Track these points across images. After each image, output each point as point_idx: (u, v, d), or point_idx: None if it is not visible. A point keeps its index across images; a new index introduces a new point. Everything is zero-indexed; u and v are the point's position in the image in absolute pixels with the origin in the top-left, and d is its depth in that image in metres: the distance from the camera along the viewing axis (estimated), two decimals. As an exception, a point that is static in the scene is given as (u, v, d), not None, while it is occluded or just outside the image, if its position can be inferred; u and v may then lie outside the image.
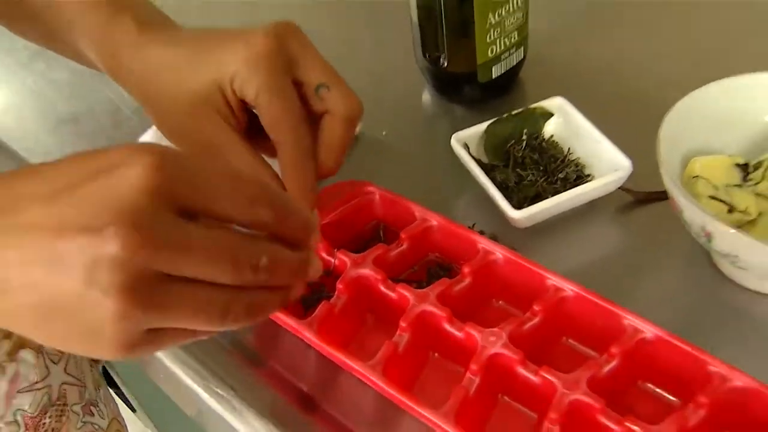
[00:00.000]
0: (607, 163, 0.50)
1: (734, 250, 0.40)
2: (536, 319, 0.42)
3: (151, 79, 0.47)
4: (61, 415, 0.73)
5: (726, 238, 0.40)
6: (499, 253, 0.44)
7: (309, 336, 0.42)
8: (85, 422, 0.75)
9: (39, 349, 0.71)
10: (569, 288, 0.42)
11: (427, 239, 0.47)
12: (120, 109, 0.65)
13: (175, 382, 0.47)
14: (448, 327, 0.42)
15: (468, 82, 0.60)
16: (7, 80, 0.72)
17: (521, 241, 0.49)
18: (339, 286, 0.44)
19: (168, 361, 0.47)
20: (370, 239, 0.48)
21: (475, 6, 0.54)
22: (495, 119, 0.54)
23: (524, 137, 0.54)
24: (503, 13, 0.56)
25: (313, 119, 0.45)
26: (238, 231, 0.34)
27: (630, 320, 0.40)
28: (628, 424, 0.36)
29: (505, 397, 0.42)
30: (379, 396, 0.41)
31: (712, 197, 0.43)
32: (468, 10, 0.55)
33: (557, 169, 0.51)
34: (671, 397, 0.41)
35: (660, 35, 0.66)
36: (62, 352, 0.74)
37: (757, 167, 0.46)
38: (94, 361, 0.83)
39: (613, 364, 0.39)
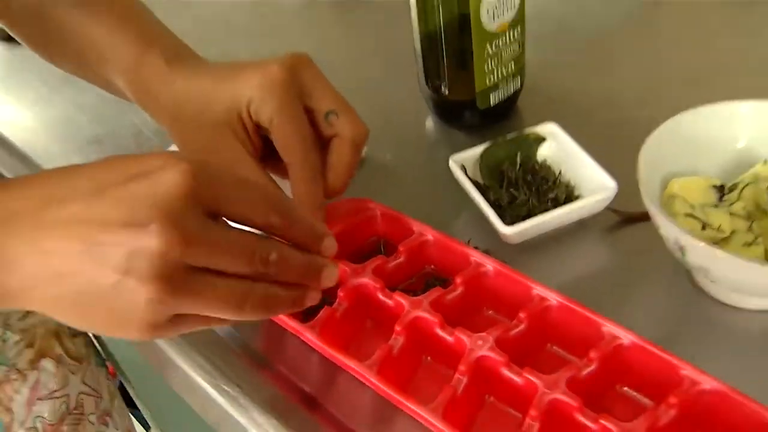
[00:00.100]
0: (595, 185, 0.53)
1: (705, 263, 0.43)
2: (522, 326, 0.45)
3: (178, 106, 0.51)
4: (77, 424, 0.77)
5: (697, 252, 0.43)
6: (489, 265, 0.48)
7: (311, 338, 0.46)
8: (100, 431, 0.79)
9: (59, 359, 0.75)
10: (553, 297, 0.45)
11: (424, 252, 0.51)
12: (142, 132, 0.69)
13: (187, 381, 0.50)
14: (439, 332, 0.45)
15: (468, 109, 0.64)
16: (39, 104, 0.77)
17: (513, 256, 0.52)
18: (340, 293, 0.47)
19: (180, 361, 0.50)
20: (371, 253, 0.52)
21: (474, 38, 0.58)
22: (491, 143, 0.58)
23: (518, 160, 0.57)
24: (500, 44, 0.60)
25: (322, 143, 0.49)
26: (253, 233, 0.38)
27: (608, 327, 0.43)
28: (602, 421, 0.39)
29: (492, 398, 0.44)
30: (376, 396, 0.45)
31: (688, 215, 0.46)
32: (467, 41, 0.59)
33: (548, 189, 0.55)
34: (646, 400, 0.43)
35: (646, 68, 0.69)
36: (81, 362, 0.78)
37: (732, 189, 0.49)
38: (112, 375, 0.86)
39: (592, 367, 0.42)
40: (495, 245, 0.53)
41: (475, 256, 0.48)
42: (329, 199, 0.50)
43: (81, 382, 0.77)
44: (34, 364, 0.72)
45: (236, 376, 0.48)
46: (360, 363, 0.43)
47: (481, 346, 0.43)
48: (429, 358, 0.47)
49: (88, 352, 0.80)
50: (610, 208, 0.54)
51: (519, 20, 0.60)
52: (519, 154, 0.57)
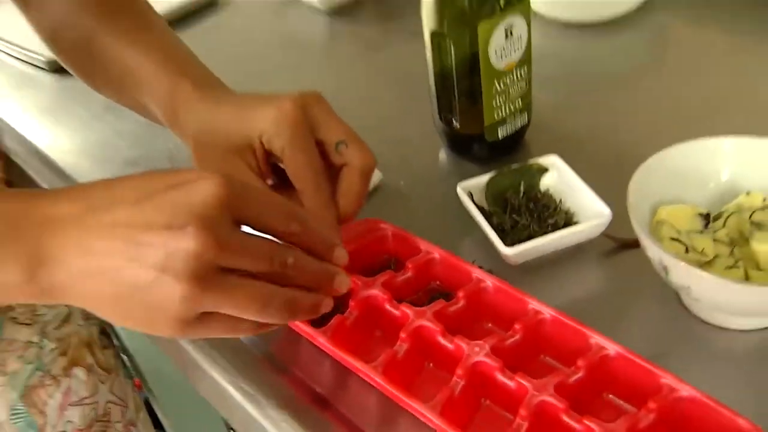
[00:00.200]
0: (592, 212, 0.58)
1: (686, 282, 0.47)
2: (517, 336, 0.49)
3: (200, 132, 0.57)
4: (104, 431, 0.81)
5: (678, 272, 0.46)
6: (489, 281, 0.52)
7: (324, 342, 0.50)
8: (125, 440, 0.83)
9: (90, 368, 0.80)
10: (547, 311, 0.49)
11: (430, 269, 0.55)
12: (174, 156, 0.75)
13: (211, 383, 0.55)
14: (441, 340, 0.49)
15: (477, 142, 0.68)
16: (83, 129, 0.83)
17: (515, 277, 0.56)
18: (351, 303, 0.52)
19: (206, 365, 0.55)
20: (382, 269, 0.56)
21: (482, 76, 0.63)
22: (496, 172, 0.62)
23: (522, 189, 0.61)
24: (507, 82, 0.65)
25: (334, 173, 0.54)
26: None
27: (596, 339, 0.47)
28: (586, 422, 0.43)
29: (487, 401, 0.48)
30: (382, 398, 0.49)
31: (674, 239, 0.50)
32: (476, 79, 0.64)
33: (548, 216, 0.59)
34: (630, 408, 0.47)
35: (647, 109, 0.74)
36: (109, 373, 0.83)
37: (717, 218, 0.53)
38: (138, 388, 0.91)
39: (580, 375, 0.46)
40: (498, 266, 0.57)
41: (477, 273, 0.52)
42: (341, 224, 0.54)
43: (109, 392, 0.82)
44: (67, 371, 0.76)
45: (256, 378, 0.53)
46: (366, 364, 0.48)
47: (477, 352, 0.47)
48: (431, 364, 0.51)
49: (116, 364, 0.85)
50: (605, 234, 0.58)
51: (526, 60, 0.65)
52: (523, 183, 0.62)
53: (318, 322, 0.51)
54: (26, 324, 0.73)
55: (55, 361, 0.75)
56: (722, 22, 0.84)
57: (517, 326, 0.49)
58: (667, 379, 0.44)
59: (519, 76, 0.65)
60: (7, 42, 0.97)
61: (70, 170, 0.77)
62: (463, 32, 0.62)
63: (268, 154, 0.54)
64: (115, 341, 0.88)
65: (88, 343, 0.80)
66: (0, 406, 0.71)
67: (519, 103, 0.67)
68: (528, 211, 0.60)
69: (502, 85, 0.64)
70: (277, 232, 0.43)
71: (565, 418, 0.44)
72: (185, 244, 0.39)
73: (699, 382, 0.44)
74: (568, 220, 0.59)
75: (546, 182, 0.62)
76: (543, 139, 0.71)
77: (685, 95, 0.74)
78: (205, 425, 0.97)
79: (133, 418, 0.86)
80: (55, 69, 0.93)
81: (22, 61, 0.97)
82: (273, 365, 0.54)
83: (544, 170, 0.62)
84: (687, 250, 0.50)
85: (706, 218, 0.53)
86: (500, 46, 0.62)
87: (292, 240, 0.44)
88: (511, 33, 0.63)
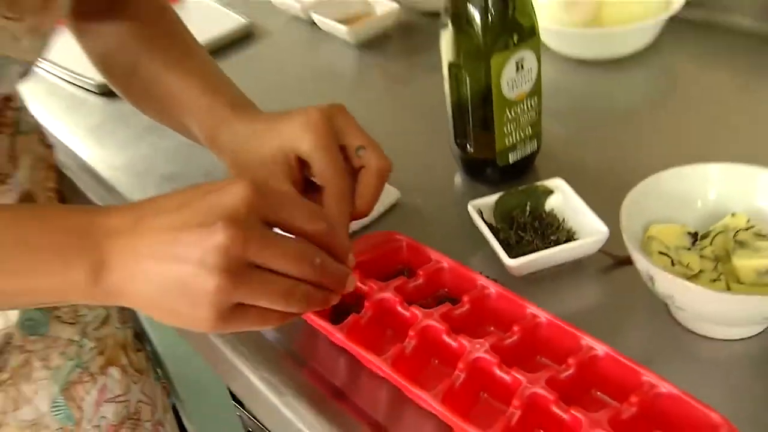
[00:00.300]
0: (591, 230, 0.63)
1: (670, 291, 0.52)
2: (515, 337, 0.54)
3: (237, 145, 0.63)
4: (134, 428, 0.87)
5: (663, 280, 0.51)
6: (492, 288, 0.57)
7: (340, 337, 0.55)
8: (153, 437, 0.88)
9: (124, 369, 0.86)
10: (543, 315, 0.54)
11: (439, 276, 0.60)
12: (210, 172, 0.81)
13: (239, 375, 0.60)
14: (446, 338, 0.54)
15: (489, 166, 0.74)
16: (126, 147, 0.90)
17: (518, 288, 0.60)
18: (366, 304, 0.57)
19: (235, 359, 0.60)
20: (396, 275, 0.61)
21: (495, 105, 0.69)
22: (504, 192, 0.67)
23: (528, 208, 0.67)
24: (518, 111, 0.70)
25: (354, 175, 0.60)
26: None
27: (586, 340, 0.52)
28: (573, 412, 0.48)
29: (485, 395, 0.53)
30: (391, 390, 0.54)
31: (662, 253, 0.55)
32: (489, 108, 0.69)
33: (551, 233, 0.64)
34: (615, 403, 0.51)
35: (648, 139, 0.79)
36: (141, 374, 0.88)
37: (705, 237, 0.57)
38: (167, 394, 0.96)
39: (570, 371, 0.51)
40: (504, 278, 0.62)
41: (482, 281, 0.58)
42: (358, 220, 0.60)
43: (140, 392, 0.88)
44: (103, 369, 0.82)
45: (278, 371, 0.58)
46: (377, 357, 0.53)
47: (478, 349, 0.52)
48: (436, 360, 0.56)
49: (147, 366, 0.90)
50: (603, 251, 0.63)
51: (536, 92, 0.71)
52: (529, 203, 0.67)
53: (336, 320, 0.57)
54: (69, 323, 0.79)
55: (94, 359, 0.81)
56: (727, 62, 0.90)
57: (515, 328, 0.54)
58: (648, 377, 0.49)
59: (529, 106, 0.71)
60: (61, 67, 1.05)
61: (114, 183, 0.84)
62: (477, 65, 0.68)
63: (301, 163, 0.60)
64: (147, 347, 0.94)
65: (123, 345, 0.86)
66: (43, 398, 0.77)
67: (529, 130, 0.72)
68: (533, 229, 0.65)
69: (512, 114, 0.70)
70: (302, 232, 0.49)
71: (555, 409, 0.48)
72: (215, 239, 0.45)
73: (683, 385, 0.48)
74: (569, 237, 0.64)
75: (551, 203, 0.67)
76: (551, 166, 0.76)
77: (688, 129, 0.79)
78: (229, 421, 1.02)
79: (161, 418, 0.92)
80: (103, 92, 1.01)
81: (74, 84, 1.05)
82: (294, 360, 0.59)
83: (549, 192, 0.67)
84: (673, 263, 0.55)
85: (694, 236, 0.58)
86: (511, 78, 0.68)
87: (316, 240, 0.49)
88: (522, 66, 0.68)
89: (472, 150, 0.74)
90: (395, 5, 1.07)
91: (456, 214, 0.72)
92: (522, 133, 0.72)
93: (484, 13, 0.66)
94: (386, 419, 0.54)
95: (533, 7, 0.68)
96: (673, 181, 0.58)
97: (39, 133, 0.78)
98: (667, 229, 0.57)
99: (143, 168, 0.86)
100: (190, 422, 1.05)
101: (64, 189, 0.82)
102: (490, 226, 0.65)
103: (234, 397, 1.01)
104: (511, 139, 0.71)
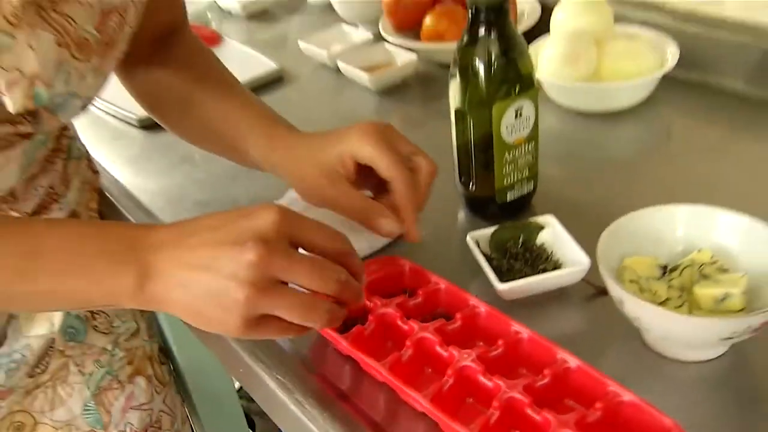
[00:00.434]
0: (575, 262, 0.70)
1: (636, 313, 0.59)
2: (499, 350, 0.61)
3: (296, 160, 0.72)
4: (155, 436, 0.93)
5: (629, 303, 0.58)
6: (482, 308, 0.64)
7: (345, 345, 0.63)
8: (172, 445, 0.95)
9: (149, 379, 0.93)
10: (525, 331, 0.61)
11: (436, 296, 0.67)
12: (236, 200, 0.90)
13: (257, 380, 0.67)
14: (438, 348, 0.61)
15: (490, 203, 0.81)
16: (162, 175, 0.99)
17: (509, 311, 0.68)
18: (370, 317, 0.65)
19: (255, 365, 0.68)
20: (399, 294, 0.69)
21: (495, 148, 0.77)
22: (499, 226, 0.75)
23: (520, 241, 0.74)
24: (516, 154, 0.78)
25: None
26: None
27: (561, 354, 0.59)
28: (545, 413, 0.54)
29: (470, 400, 0.60)
30: (388, 395, 0.61)
31: (633, 281, 0.62)
32: (490, 150, 0.77)
33: (540, 263, 0.71)
34: (584, 409, 0.58)
35: (638, 186, 0.86)
36: (164, 386, 0.96)
37: (674, 269, 0.64)
38: (184, 406, 1.03)
39: (546, 380, 0.57)
40: (496, 303, 0.69)
41: (473, 301, 0.65)
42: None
43: (162, 402, 0.95)
44: (131, 378, 0.90)
45: (292, 376, 0.65)
46: (377, 361, 0.60)
47: (465, 358, 0.59)
48: (429, 369, 0.63)
49: (170, 379, 0.98)
50: (586, 281, 0.70)
51: (533, 137, 0.79)
52: (522, 236, 0.74)
53: (343, 330, 0.64)
54: (104, 333, 0.86)
55: (123, 368, 0.89)
56: (717, 119, 0.96)
57: (500, 342, 0.61)
58: (613, 387, 0.55)
59: (526, 150, 0.79)
60: (106, 101, 1.15)
61: (151, 207, 0.92)
62: (481, 111, 0.76)
63: (358, 167, 0.69)
64: (170, 361, 1.01)
65: (150, 357, 0.93)
66: (76, 401, 0.84)
67: (526, 172, 0.80)
68: (523, 258, 0.72)
69: (511, 157, 0.78)
70: (324, 250, 0.56)
71: (528, 411, 0.55)
72: (247, 257, 0.52)
73: (648, 399, 0.55)
74: (556, 267, 0.71)
75: (542, 237, 0.75)
76: (547, 204, 0.83)
77: (677, 178, 0.86)
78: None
79: (180, 428, 0.99)
80: (142, 126, 1.10)
81: (116, 118, 1.15)
82: (306, 366, 0.67)
83: (540, 227, 0.75)
84: (642, 290, 0.62)
85: (664, 269, 0.64)
86: (511, 124, 0.76)
87: (336, 259, 0.56)
88: (521, 114, 0.76)
89: (474, 188, 0.81)
90: (414, 56, 1.16)
91: (458, 245, 0.79)
92: (519, 174, 0.80)
93: (488, 66, 0.75)
94: (384, 420, 0.61)
95: (532, 62, 0.77)
96: (646, 219, 0.65)
97: (87, 159, 0.87)
98: (640, 260, 0.64)
99: (177, 195, 0.95)
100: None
101: (104, 209, 0.90)
102: (485, 255, 0.72)
103: (247, 416, 1.08)
104: (509, 180, 0.79)
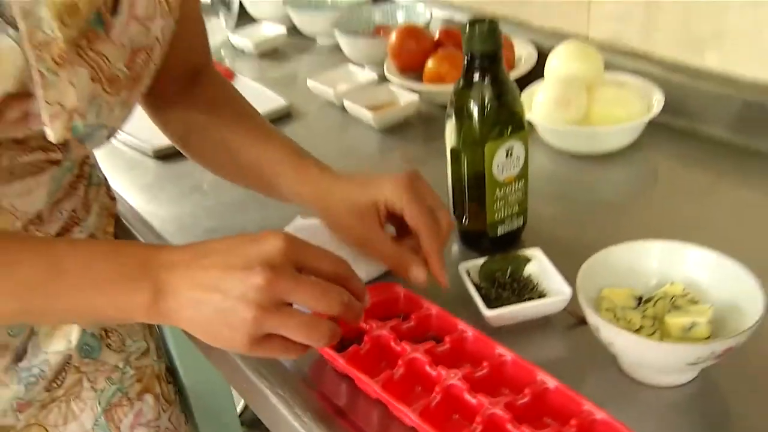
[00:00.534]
0: (558, 292, 0.75)
1: (610, 338, 0.64)
2: (484, 370, 0.65)
3: (331, 198, 0.78)
4: (161, 452, 0.97)
5: (602, 328, 0.63)
6: (470, 331, 0.69)
7: (342, 363, 0.68)
8: (175, 462, 0.99)
9: (156, 397, 0.97)
10: (508, 354, 0.66)
11: (428, 321, 0.73)
12: (245, 228, 0.95)
13: (253, 388, 0.72)
14: (427, 368, 0.66)
15: (482, 237, 0.87)
16: (175, 203, 1.05)
17: (496, 337, 0.73)
18: (366, 338, 0.70)
19: (258, 382, 0.72)
20: (394, 318, 0.74)
21: (486, 185, 0.82)
22: (489, 258, 0.80)
23: (508, 272, 0.79)
24: (506, 191, 0.83)
25: None
26: None
27: (541, 375, 0.63)
28: (524, 429, 0.59)
29: (456, 416, 0.65)
30: (381, 411, 0.65)
31: (609, 309, 0.67)
32: (482, 187, 0.83)
33: (526, 293, 0.76)
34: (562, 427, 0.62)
35: (625, 226, 0.91)
36: (170, 405, 1.00)
37: (648, 300, 0.69)
38: (188, 425, 1.08)
39: (526, 399, 0.62)
40: (486, 329, 0.74)
41: (461, 326, 0.70)
42: None
43: (168, 420, 0.99)
44: (140, 396, 0.94)
45: (293, 392, 0.70)
46: (370, 378, 0.65)
47: (452, 377, 0.64)
48: (419, 388, 0.68)
49: (175, 398, 1.02)
50: (569, 311, 0.75)
51: (523, 176, 0.84)
52: (510, 267, 0.79)
53: (340, 349, 0.69)
54: (117, 351, 0.91)
55: (133, 386, 0.93)
56: (702, 164, 1.02)
57: (485, 363, 0.66)
58: (588, 406, 0.60)
59: (516, 187, 0.84)
60: (123, 132, 1.21)
61: (163, 233, 0.98)
62: (474, 150, 0.82)
63: (389, 212, 0.75)
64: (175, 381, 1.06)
65: (158, 376, 0.98)
66: (87, 417, 0.89)
67: (516, 208, 0.85)
68: (511, 288, 0.77)
69: (502, 193, 0.83)
70: (328, 275, 0.61)
71: (509, 427, 0.60)
72: (255, 280, 0.57)
73: (622, 420, 0.59)
74: (540, 296, 0.76)
75: (529, 269, 0.80)
76: (535, 240, 0.88)
77: (663, 217, 0.91)
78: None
79: (183, 445, 1.03)
80: (157, 156, 1.17)
81: (132, 148, 1.21)
82: (306, 383, 0.72)
83: (527, 260, 0.80)
84: (617, 318, 0.67)
85: (639, 299, 0.70)
86: (501, 162, 0.82)
87: (338, 282, 0.61)
88: (511, 153, 0.82)
89: (467, 222, 0.87)
90: (416, 97, 1.22)
91: (451, 275, 0.84)
92: (510, 210, 0.85)
93: (481, 108, 0.80)
94: (376, 433, 0.66)
95: (522, 105, 0.83)
96: (623, 253, 0.71)
97: (106, 186, 0.93)
98: (617, 291, 0.69)
99: (189, 222, 1.00)
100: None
101: (119, 232, 0.96)
102: (475, 284, 0.78)
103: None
104: (500, 215, 0.85)
